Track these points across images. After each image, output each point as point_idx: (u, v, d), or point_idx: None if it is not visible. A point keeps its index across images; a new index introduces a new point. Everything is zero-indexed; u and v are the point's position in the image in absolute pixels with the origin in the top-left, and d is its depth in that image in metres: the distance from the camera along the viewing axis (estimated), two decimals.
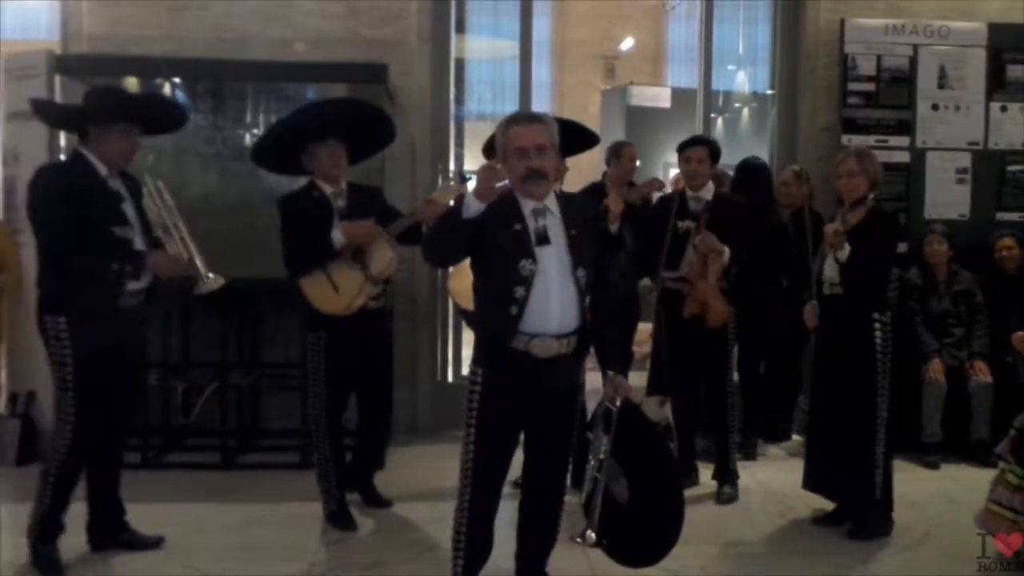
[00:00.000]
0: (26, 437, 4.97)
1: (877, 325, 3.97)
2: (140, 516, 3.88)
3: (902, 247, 5.20)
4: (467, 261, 3.08)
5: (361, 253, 3.96)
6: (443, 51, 5.77)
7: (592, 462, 3.03)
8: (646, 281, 4.74)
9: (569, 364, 3.04)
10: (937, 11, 5.81)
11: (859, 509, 4.07)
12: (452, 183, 4.24)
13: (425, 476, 4.86)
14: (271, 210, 4.14)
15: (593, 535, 2.99)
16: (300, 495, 4.34)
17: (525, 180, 2.92)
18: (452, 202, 3.44)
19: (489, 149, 3.97)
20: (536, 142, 2.92)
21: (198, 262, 3.58)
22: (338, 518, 4.11)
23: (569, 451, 3.14)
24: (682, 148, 4.65)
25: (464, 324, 4.83)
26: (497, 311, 2.92)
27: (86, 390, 3.55)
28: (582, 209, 3.19)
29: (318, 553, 3.86)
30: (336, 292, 3.93)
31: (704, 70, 6.12)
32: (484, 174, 2.92)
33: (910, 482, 4.74)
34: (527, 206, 2.96)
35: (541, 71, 11.35)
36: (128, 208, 3.63)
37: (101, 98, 3.74)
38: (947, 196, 5.73)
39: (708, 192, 4.58)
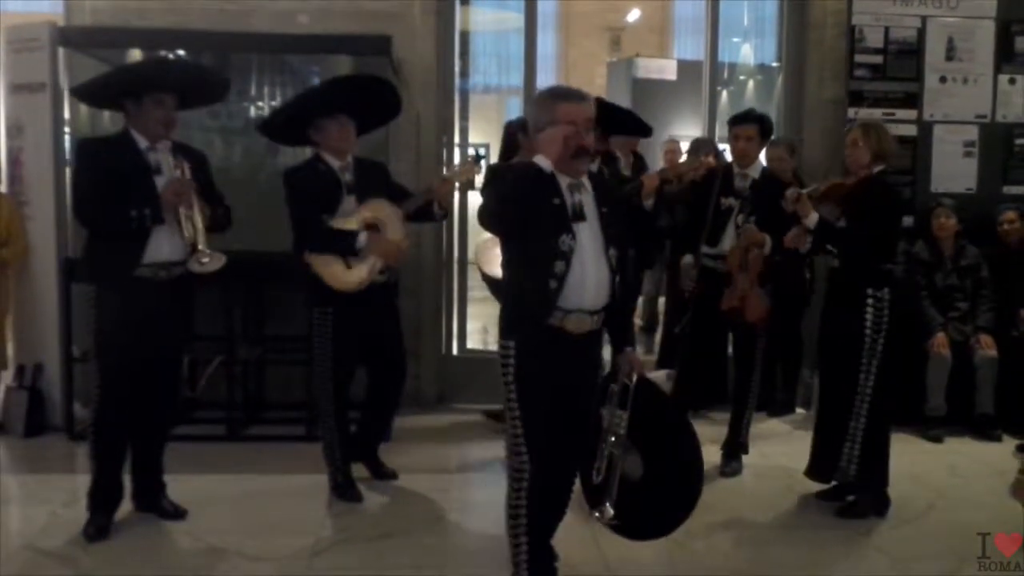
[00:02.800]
0: (34, 409, 5.00)
1: (870, 301, 3.91)
2: None
3: (908, 220, 5.18)
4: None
5: (373, 230, 3.96)
6: (448, 23, 5.72)
7: (611, 439, 3.04)
8: (688, 258, 4.66)
9: (595, 340, 3.06)
10: None
11: (840, 482, 4.07)
12: (468, 162, 4.23)
13: (430, 448, 4.89)
14: (275, 183, 4.13)
15: (611, 510, 3.01)
16: (306, 467, 4.37)
17: (576, 157, 2.91)
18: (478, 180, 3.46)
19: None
20: (588, 117, 2.93)
21: (200, 242, 3.58)
22: (344, 490, 4.14)
23: (589, 426, 3.12)
24: (731, 123, 4.56)
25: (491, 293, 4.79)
26: (536, 285, 2.90)
27: (111, 359, 3.61)
28: (612, 189, 3.27)
29: (324, 525, 3.89)
30: (348, 269, 3.94)
31: (710, 42, 6.05)
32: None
33: (914, 455, 4.77)
34: (563, 181, 2.95)
35: (546, 43, 11.27)
36: (162, 181, 3.60)
37: (126, 71, 3.77)
38: (954, 169, 5.69)
39: (756, 170, 4.51)
